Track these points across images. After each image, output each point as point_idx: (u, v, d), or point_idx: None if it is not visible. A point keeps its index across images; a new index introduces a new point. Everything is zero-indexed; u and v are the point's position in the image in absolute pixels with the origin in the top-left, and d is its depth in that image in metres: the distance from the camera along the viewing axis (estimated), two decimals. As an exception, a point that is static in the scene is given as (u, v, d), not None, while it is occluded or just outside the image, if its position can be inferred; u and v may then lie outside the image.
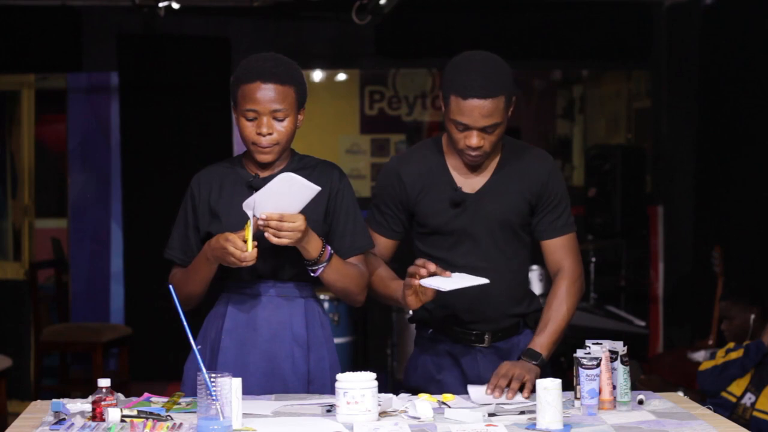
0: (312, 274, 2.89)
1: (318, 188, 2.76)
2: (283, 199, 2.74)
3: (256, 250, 2.74)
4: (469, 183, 3.00)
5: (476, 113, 2.83)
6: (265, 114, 2.84)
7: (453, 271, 2.91)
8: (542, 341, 2.94)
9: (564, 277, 3.02)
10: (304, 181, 2.74)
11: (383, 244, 3.08)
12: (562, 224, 3.04)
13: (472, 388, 2.87)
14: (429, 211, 3.00)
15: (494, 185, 3.00)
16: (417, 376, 3.10)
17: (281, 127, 2.86)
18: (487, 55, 2.92)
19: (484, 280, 2.84)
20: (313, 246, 2.83)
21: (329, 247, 2.87)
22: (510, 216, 3.00)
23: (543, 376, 2.80)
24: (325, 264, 2.86)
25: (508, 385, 2.82)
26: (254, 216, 2.75)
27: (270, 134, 2.85)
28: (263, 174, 2.93)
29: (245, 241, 2.74)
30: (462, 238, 3.00)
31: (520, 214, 3.01)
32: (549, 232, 3.04)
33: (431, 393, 2.85)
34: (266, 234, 2.75)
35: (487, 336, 3.04)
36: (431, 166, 3.02)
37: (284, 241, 2.75)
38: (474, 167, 2.99)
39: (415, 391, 2.94)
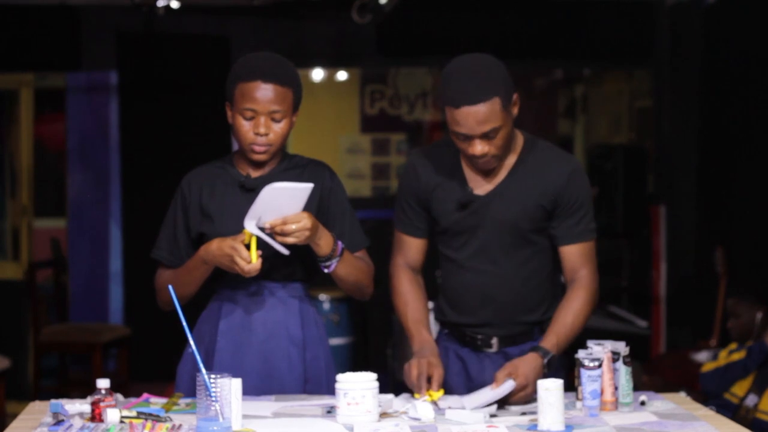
0: (325, 270, 2.88)
1: (310, 185, 2.75)
2: (280, 206, 2.72)
3: (260, 261, 2.75)
4: (482, 184, 2.91)
5: (471, 120, 2.74)
6: (263, 114, 2.83)
7: (461, 269, 2.93)
8: (551, 340, 2.85)
9: (580, 287, 2.91)
10: (292, 185, 2.73)
11: (412, 244, 3.01)
12: (581, 231, 2.94)
13: (467, 399, 2.79)
14: (439, 210, 2.95)
15: (506, 188, 2.90)
16: None
17: (278, 128, 2.86)
18: (475, 57, 2.82)
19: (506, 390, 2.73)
20: (325, 242, 2.82)
21: (340, 242, 2.87)
22: (520, 221, 2.90)
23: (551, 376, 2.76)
24: (338, 259, 2.85)
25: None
26: (257, 227, 2.74)
27: (267, 134, 2.84)
28: (255, 174, 2.92)
29: (247, 246, 2.73)
30: (470, 240, 2.93)
31: (532, 219, 2.91)
32: (566, 238, 2.93)
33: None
34: (276, 238, 2.75)
35: (494, 341, 2.97)
36: (446, 164, 2.95)
37: (293, 240, 2.75)
38: (488, 171, 2.90)
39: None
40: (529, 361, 2.79)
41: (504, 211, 2.90)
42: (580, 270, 2.94)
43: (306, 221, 2.75)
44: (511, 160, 2.92)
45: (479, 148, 2.78)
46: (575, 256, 2.94)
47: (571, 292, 2.93)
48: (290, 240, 2.75)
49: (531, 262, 2.95)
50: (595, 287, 2.94)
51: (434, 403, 2.72)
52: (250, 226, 2.73)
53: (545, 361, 2.81)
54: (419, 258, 3.04)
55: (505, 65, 2.85)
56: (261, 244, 2.77)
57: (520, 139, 2.95)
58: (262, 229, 2.75)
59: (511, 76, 2.84)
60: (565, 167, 2.92)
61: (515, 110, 2.84)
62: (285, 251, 2.77)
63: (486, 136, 2.77)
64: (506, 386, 2.73)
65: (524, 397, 2.75)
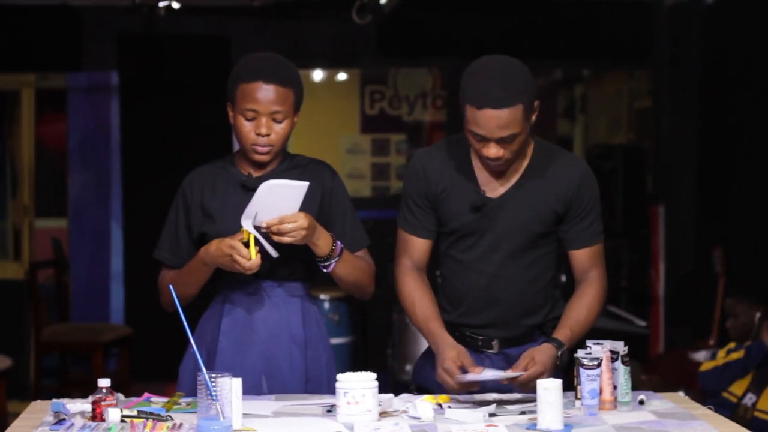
0: (324, 271, 2.88)
1: (306, 183, 2.75)
2: (277, 204, 2.73)
3: (259, 256, 2.75)
4: (494, 186, 2.89)
5: (492, 124, 2.72)
6: (265, 114, 2.84)
7: (466, 271, 2.92)
8: (564, 333, 2.86)
9: (592, 284, 2.92)
10: (288, 182, 2.73)
11: (419, 245, 2.97)
12: (592, 233, 2.93)
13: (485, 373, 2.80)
14: (449, 212, 2.92)
15: (519, 191, 2.89)
16: (424, 375, 3.04)
17: (279, 129, 2.86)
18: (505, 60, 2.80)
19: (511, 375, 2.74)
20: (324, 242, 2.83)
21: (339, 242, 2.87)
22: (532, 225, 2.89)
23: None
24: (337, 259, 2.86)
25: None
26: (254, 226, 2.75)
27: (268, 135, 2.85)
28: (256, 173, 2.93)
29: (245, 244, 2.74)
30: (479, 242, 2.91)
31: (543, 223, 2.90)
32: (577, 241, 2.93)
33: (437, 394, 2.82)
34: (272, 237, 2.75)
35: (495, 342, 2.96)
36: (456, 164, 2.91)
37: (289, 240, 2.75)
38: (499, 173, 2.89)
39: (422, 391, 2.92)
40: (545, 351, 2.79)
41: (517, 215, 2.88)
42: (590, 270, 2.95)
43: (303, 221, 2.75)
44: (523, 163, 2.90)
45: (494, 151, 2.76)
46: (586, 258, 2.94)
47: (582, 289, 2.93)
48: (286, 240, 2.75)
49: (536, 265, 2.94)
50: (605, 286, 2.96)
51: (440, 405, 2.73)
52: (247, 224, 2.74)
53: (558, 353, 2.81)
54: (425, 259, 3.00)
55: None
56: (259, 242, 2.78)
57: (530, 142, 2.93)
58: (258, 228, 2.76)
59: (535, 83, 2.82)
60: (577, 171, 2.93)
61: (534, 117, 2.83)
62: (274, 253, 2.78)
63: (503, 140, 2.75)
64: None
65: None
